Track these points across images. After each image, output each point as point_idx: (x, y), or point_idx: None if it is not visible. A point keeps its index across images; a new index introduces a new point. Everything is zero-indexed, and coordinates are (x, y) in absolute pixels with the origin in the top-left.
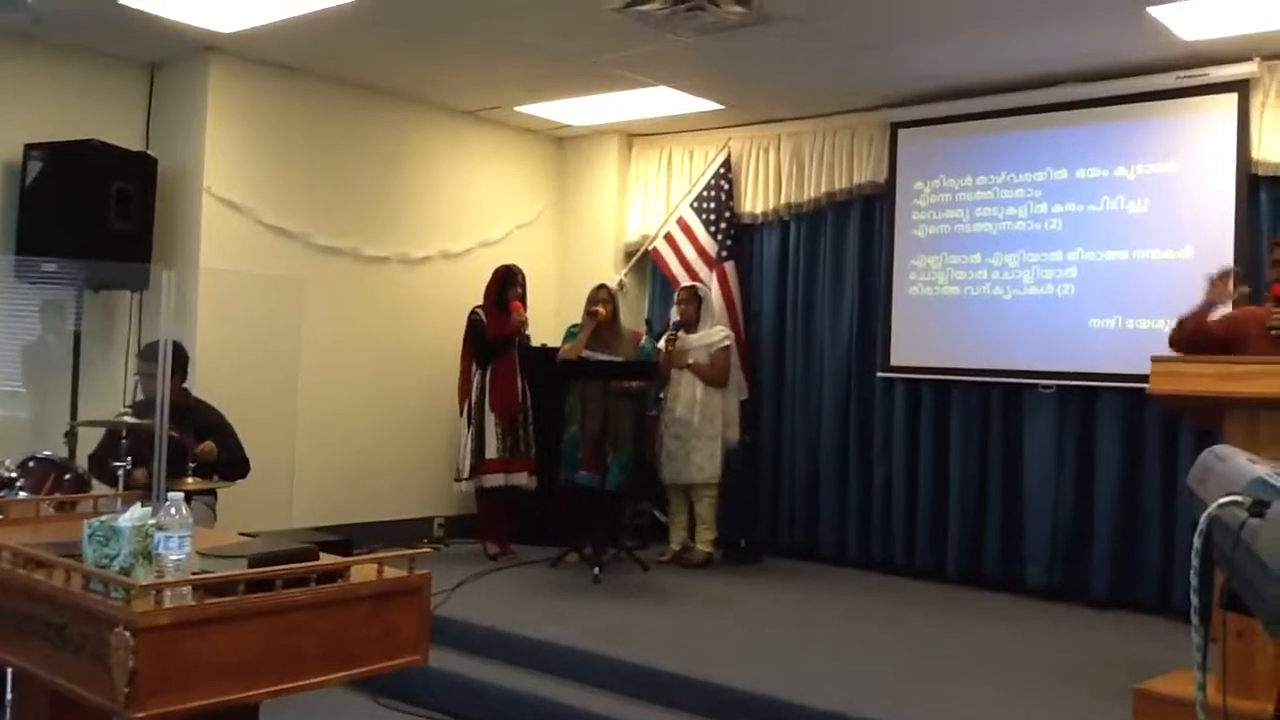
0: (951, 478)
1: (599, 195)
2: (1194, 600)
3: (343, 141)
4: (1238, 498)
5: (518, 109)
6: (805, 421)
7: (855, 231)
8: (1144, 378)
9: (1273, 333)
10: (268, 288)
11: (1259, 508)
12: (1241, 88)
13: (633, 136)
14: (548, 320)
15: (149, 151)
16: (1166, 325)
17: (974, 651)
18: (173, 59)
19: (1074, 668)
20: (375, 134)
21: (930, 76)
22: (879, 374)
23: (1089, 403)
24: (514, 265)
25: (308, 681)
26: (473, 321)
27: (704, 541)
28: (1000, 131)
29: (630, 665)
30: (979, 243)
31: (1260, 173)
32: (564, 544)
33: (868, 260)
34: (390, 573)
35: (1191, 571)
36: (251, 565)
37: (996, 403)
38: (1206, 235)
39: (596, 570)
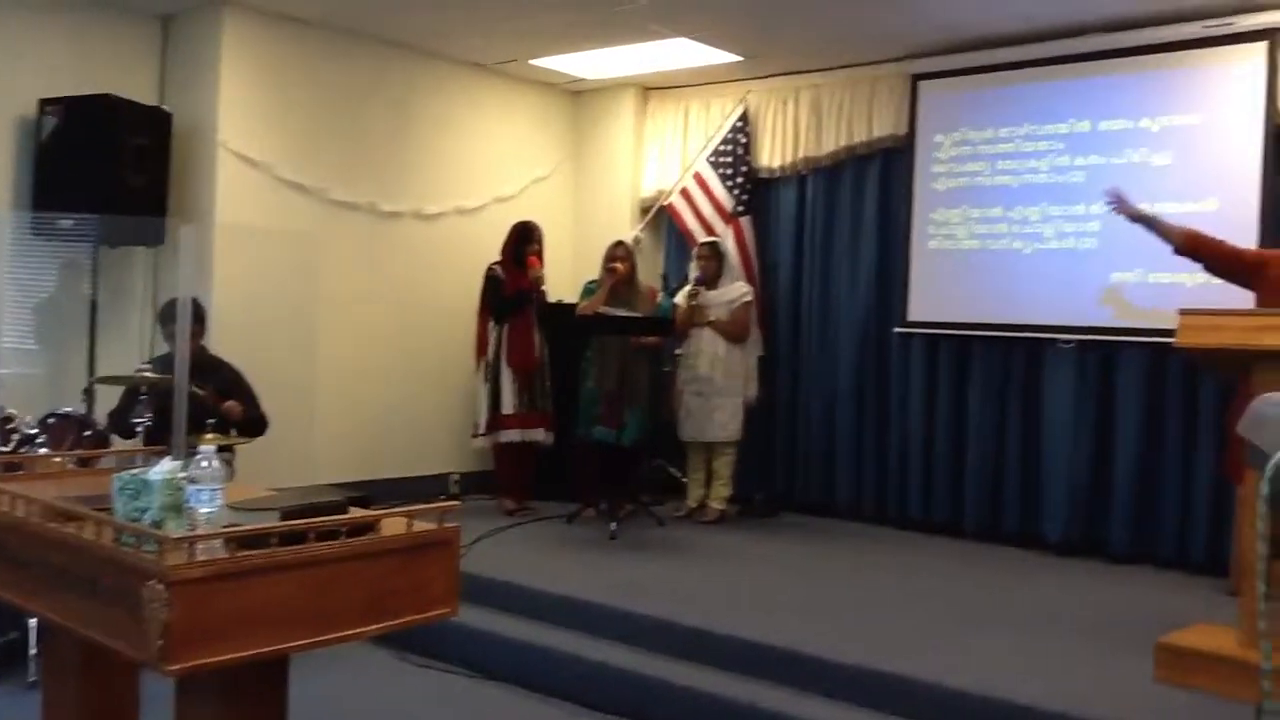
0: (969, 433)
1: (615, 150)
2: (1260, 549)
3: (358, 96)
4: None
5: (533, 62)
6: (822, 377)
7: (874, 185)
8: (1167, 332)
9: None
10: (284, 243)
11: None
12: (1271, 37)
13: (649, 90)
14: (564, 276)
15: (163, 106)
16: (1190, 279)
17: (993, 606)
18: (186, 11)
19: (1093, 622)
20: (390, 88)
21: (952, 26)
22: (896, 329)
23: (1109, 358)
24: (531, 221)
25: (340, 634)
26: (490, 277)
27: (719, 498)
28: (1023, 83)
29: (649, 619)
30: (1000, 196)
31: None
32: (581, 499)
33: (886, 214)
34: (420, 526)
35: (1259, 519)
36: (284, 518)
37: (1016, 358)
38: (1231, 188)
39: (613, 525)
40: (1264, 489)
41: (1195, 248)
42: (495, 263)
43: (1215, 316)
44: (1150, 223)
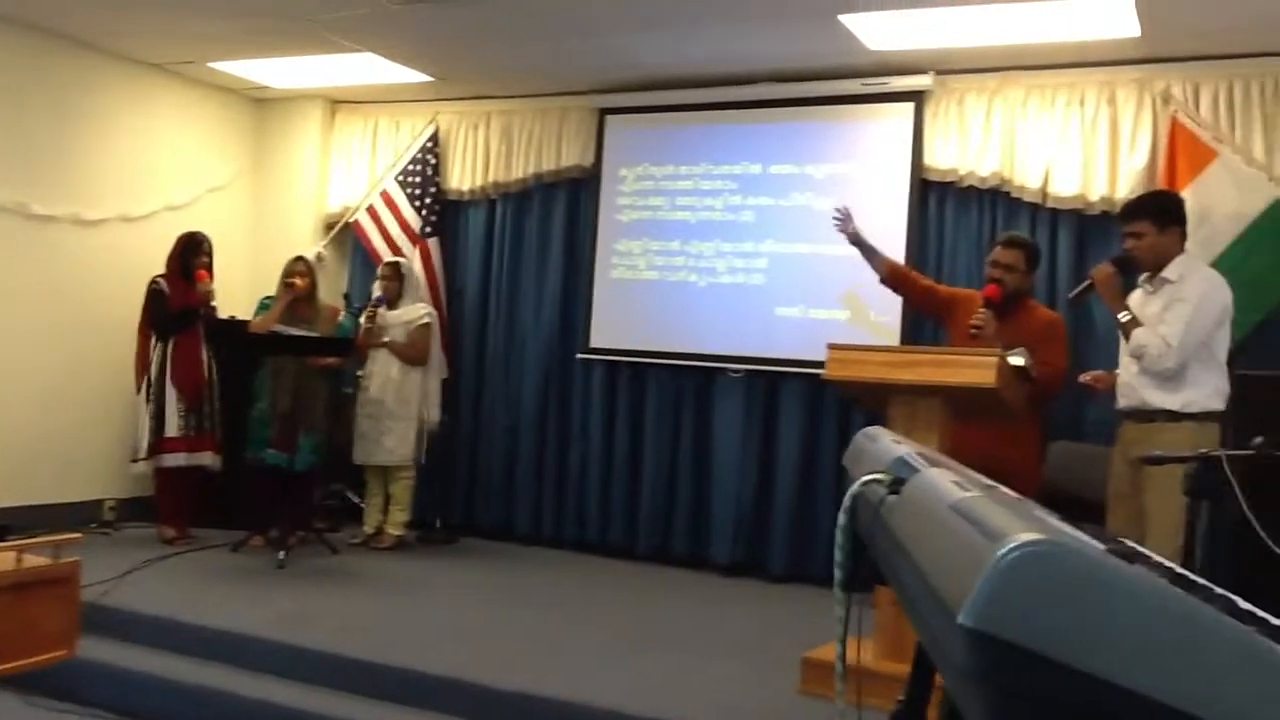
0: (645, 458)
1: (299, 162)
2: (837, 574)
3: (11, 87)
4: (879, 476)
5: (212, 65)
6: (505, 402)
7: (561, 213)
8: (823, 364)
9: (972, 332)
10: None
11: (897, 485)
12: (918, 98)
13: (337, 103)
14: (240, 291)
15: None
16: (845, 315)
17: (660, 628)
18: None
19: (752, 640)
20: (49, 81)
21: (637, 66)
22: (579, 355)
23: (774, 387)
24: (199, 232)
25: None
26: (153, 291)
27: (396, 524)
28: (702, 124)
29: (312, 652)
30: (678, 230)
31: (930, 178)
32: (249, 527)
33: (572, 242)
34: (31, 561)
35: (836, 547)
36: None
37: (689, 386)
38: (883, 234)
39: (281, 554)
40: (842, 519)
41: (897, 279)
42: (160, 275)
43: (859, 351)
44: (866, 249)
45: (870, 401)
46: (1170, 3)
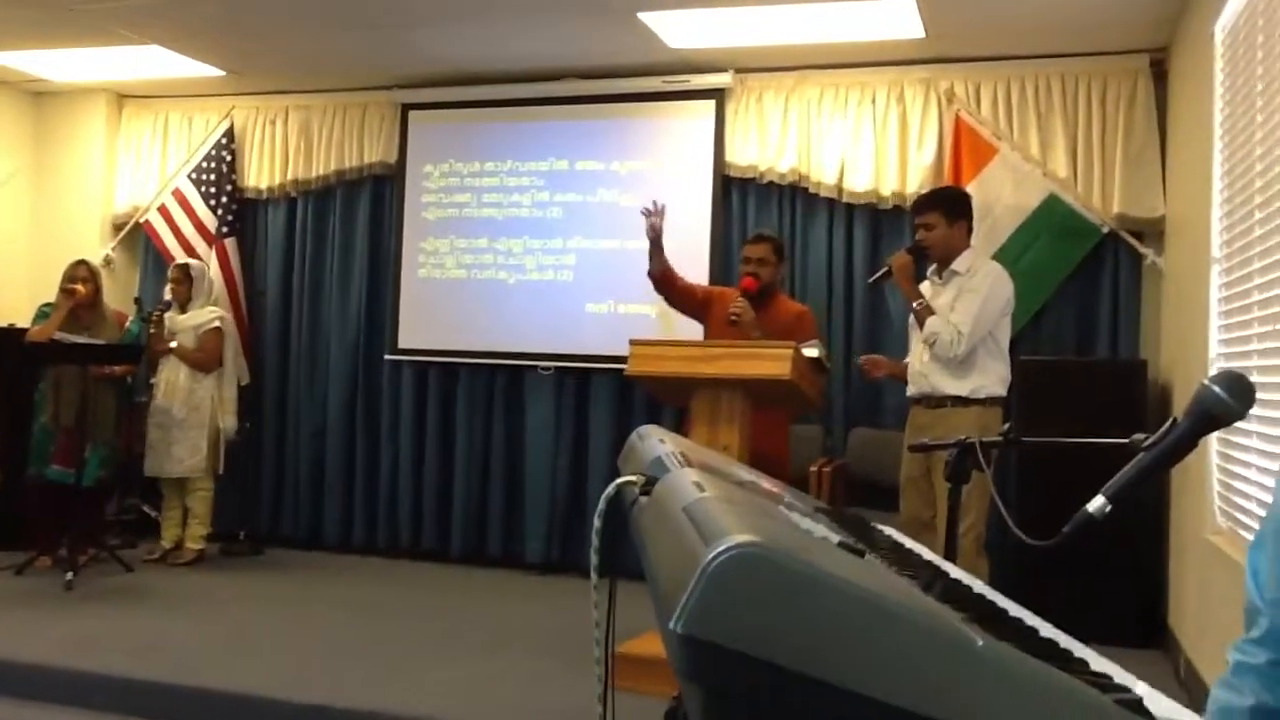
0: (457, 459)
1: (83, 160)
2: (594, 577)
3: None
4: (633, 478)
5: None
6: (310, 407)
7: (365, 211)
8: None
9: (731, 320)
10: None
11: (649, 486)
12: (719, 96)
13: (124, 97)
14: (19, 298)
15: None
16: (653, 309)
17: (472, 631)
18: None
19: (565, 637)
20: None
21: (440, 60)
22: (387, 357)
23: (584, 384)
24: None
25: None
26: None
27: (195, 538)
28: (508, 120)
29: (99, 676)
30: (486, 227)
31: (731, 174)
32: (35, 547)
33: (378, 241)
34: None
35: (592, 550)
36: None
37: (500, 384)
38: (687, 229)
39: (69, 574)
40: (597, 522)
41: (664, 280)
42: None
43: (661, 346)
44: (656, 244)
45: (673, 396)
46: (949, 6)
